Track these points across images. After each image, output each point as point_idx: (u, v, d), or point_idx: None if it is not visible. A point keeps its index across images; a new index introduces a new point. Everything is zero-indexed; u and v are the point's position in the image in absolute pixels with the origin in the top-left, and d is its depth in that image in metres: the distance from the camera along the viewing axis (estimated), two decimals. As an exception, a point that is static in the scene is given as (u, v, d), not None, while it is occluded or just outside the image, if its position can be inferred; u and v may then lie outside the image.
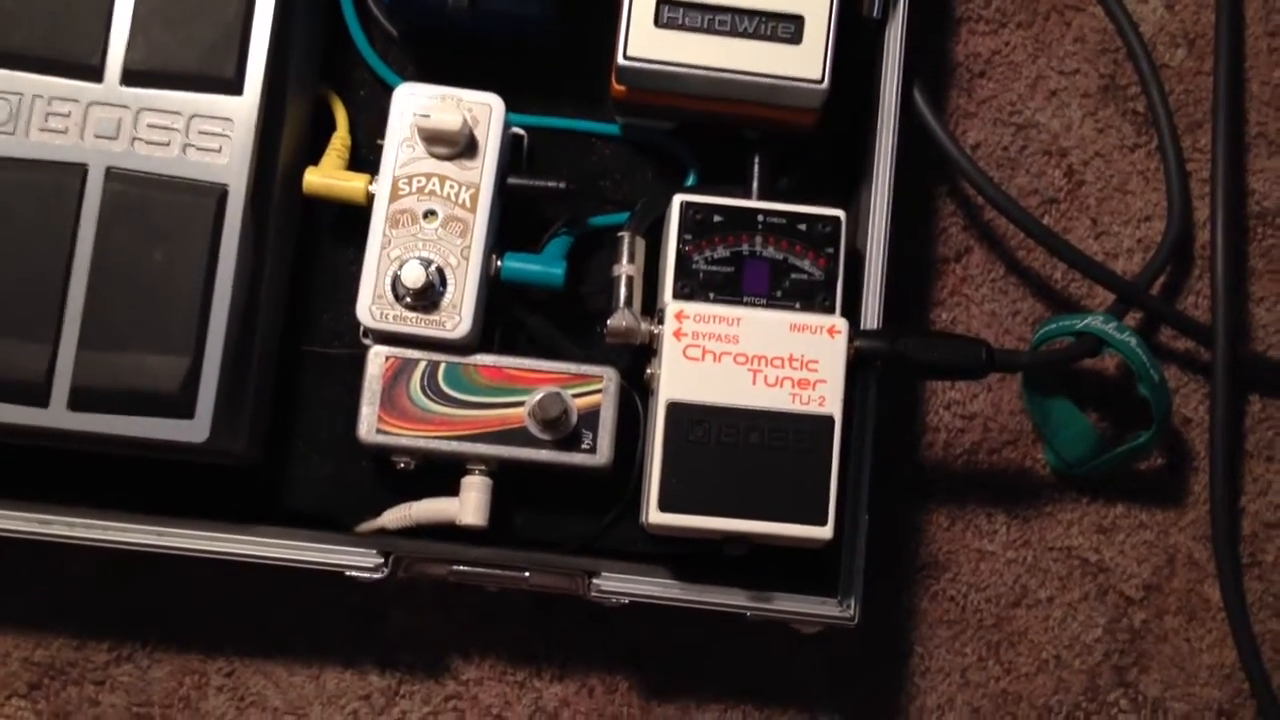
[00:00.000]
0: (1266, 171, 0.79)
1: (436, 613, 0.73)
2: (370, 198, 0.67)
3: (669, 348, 0.63)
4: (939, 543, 0.75)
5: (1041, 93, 0.79)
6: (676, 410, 0.63)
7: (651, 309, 0.67)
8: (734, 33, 0.65)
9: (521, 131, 0.71)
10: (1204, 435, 0.76)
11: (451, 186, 0.66)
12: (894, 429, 0.75)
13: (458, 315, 0.65)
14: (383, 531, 0.68)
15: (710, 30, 0.65)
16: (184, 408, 0.62)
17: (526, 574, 0.65)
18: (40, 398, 0.62)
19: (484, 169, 0.66)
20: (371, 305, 0.65)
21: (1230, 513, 0.74)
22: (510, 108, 0.67)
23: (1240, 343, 0.77)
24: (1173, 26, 0.79)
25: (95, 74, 0.64)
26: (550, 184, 0.68)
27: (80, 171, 0.63)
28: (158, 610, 0.73)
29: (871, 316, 0.67)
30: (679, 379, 0.63)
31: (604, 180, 0.73)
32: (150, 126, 0.64)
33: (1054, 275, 0.77)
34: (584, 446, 0.66)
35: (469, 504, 0.66)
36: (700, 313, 0.63)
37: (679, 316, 0.63)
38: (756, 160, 0.70)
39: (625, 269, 0.67)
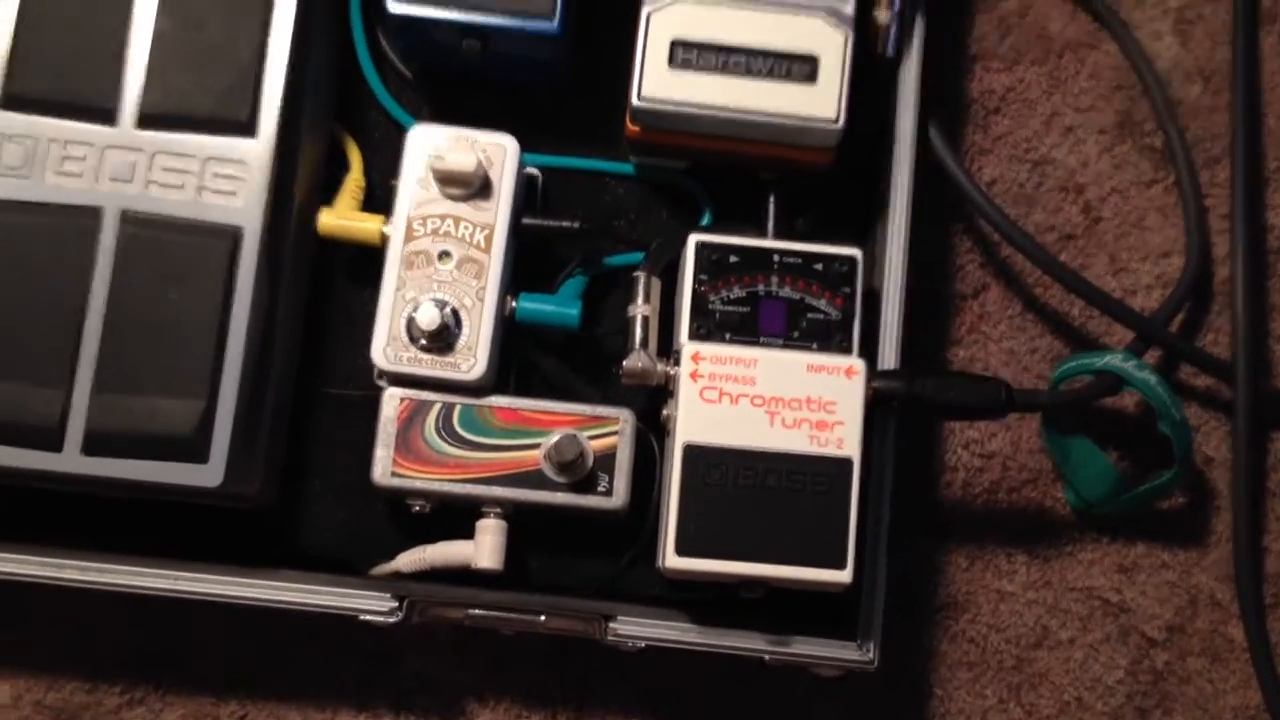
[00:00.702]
0: (1285, 207, 0.78)
1: (451, 656, 0.72)
2: (385, 239, 0.66)
3: (685, 389, 0.63)
4: (958, 583, 0.74)
5: (1057, 129, 0.78)
6: (693, 453, 0.62)
7: (668, 350, 0.67)
8: (749, 73, 0.65)
9: (536, 172, 0.71)
10: (1226, 474, 0.75)
11: (466, 227, 0.66)
12: (912, 469, 0.74)
13: (473, 357, 0.65)
14: (397, 575, 0.68)
15: (725, 71, 0.65)
16: (198, 452, 0.62)
17: (542, 617, 0.65)
18: (54, 442, 0.62)
19: (499, 210, 0.66)
20: (386, 347, 0.65)
21: (1254, 553, 0.73)
22: (524, 148, 0.67)
23: (1262, 380, 0.76)
24: (1187, 63, 0.79)
25: (110, 117, 0.64)
26: (565, 224, 0.68)
27: (95, 214, 0.63)
28: (170, 653, 0.72)
29: (889, 356, 0.67)
30: (695, 421, 0.63)
31: (619, 220, 0.73)
32: (165, 169, 0.64)
33: (1072, 312, 0.77)
34: (600, 489, 0.65)
35: (484, 547, 0.65)
36: (716, 354, 0.63)
37: (695, 358, 0.63)
38: (772, 200, 0.70)
39: (641, 309, 0.67)
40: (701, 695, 0.73)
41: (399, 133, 0.69)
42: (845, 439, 0.63)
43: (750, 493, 0.62)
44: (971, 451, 0.75)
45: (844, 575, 0.62)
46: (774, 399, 0.63)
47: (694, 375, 0.63)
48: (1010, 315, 0.77)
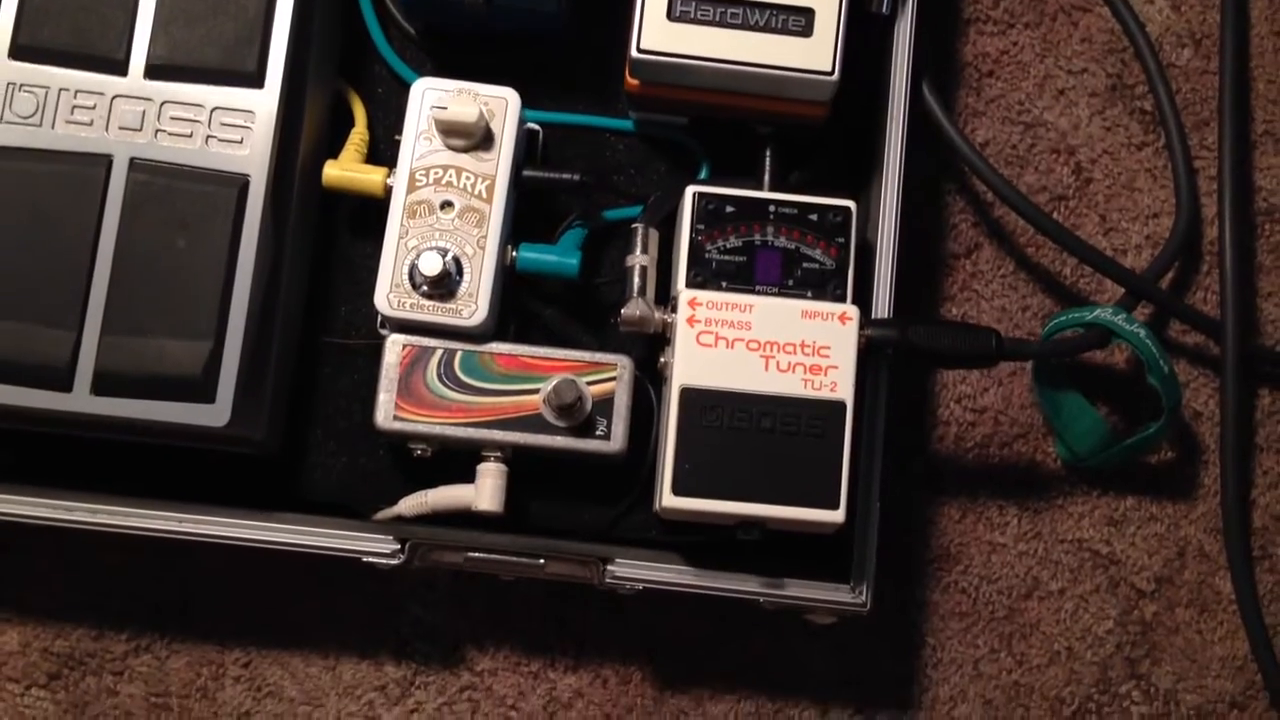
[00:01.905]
0: (1274, 169, 0.80)
1: (452, 604, 0.73)
2: (388, 190, 0.68)
3: (682, 334, 0.64)
4: (950, 535, 0.76)
5: (1049, 92, 0.80)
6: (690, 395, 0.63)
7: (665, 301, 0.68)
8: (746, 26, 0.66)
9: (536, 127, 0.72)
10: (1214, 429, 0.77)
11: (468, 178, 0.67)
12: (905, 422, 0.75)
13: (474, 304, 0.66)
14: (399, 519, 0.69)
15: (722, 23, 0.66)
16: (205, 392, 0.63)
17: (541, 561, 0.66)
18: (64, 383, 0.63)
19: (500, 160, 0.67)
20: (389, 294, 0.66)
21: (1241, 505, 0.75)
22: (526, 104, 0.69)
23: (1249, 337, 0.77)
24: (1179, 26, 0.80)
25: (120, 68, 0.65)
26: (565, 176, 0.69)
27: (105, 162, 0.64)
28: (176, 601, 0.73)
29: (882, 308, 0.68)
30: (692, 365, 0.64)
31: (618, 175, 0.74)
32: (173, 119, 0.65)
33: (1063, 271, 0.78)
34: (599, 433, 0.66)
35: (485, 490, 0.67)
36: (713, 300, 0.64)
37: (692, 304, 0.64)
38: (768, 154, 0.71)
39: (639, 259, 0.68)
40: (699, 646, 0.74)
41: (402, 89, 0.70)
42: (839, 383, 0.64)
43: (745, 435, 0.63)
44: (964, 406, 0.76)
45: (837, 515, 0.63)
46: (769, 343, 0.64)
47: (691, 320, 0.64)
48: (1002, 274, 0.78)
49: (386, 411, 0.66)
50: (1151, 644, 0.75)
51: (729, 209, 0.67)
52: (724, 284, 0.66)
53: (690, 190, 0.67)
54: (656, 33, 0.66)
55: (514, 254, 0.68)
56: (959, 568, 0.75)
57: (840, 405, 0.64)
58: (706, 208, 0.66)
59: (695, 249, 0.66)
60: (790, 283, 0.66)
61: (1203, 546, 0.76)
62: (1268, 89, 0.80)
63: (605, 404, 0.67)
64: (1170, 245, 0.76)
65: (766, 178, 0.70)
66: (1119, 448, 0.73)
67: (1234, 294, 0.75)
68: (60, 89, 0.65)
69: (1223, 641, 0.75)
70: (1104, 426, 0.74)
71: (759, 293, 0.65)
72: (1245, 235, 0.79)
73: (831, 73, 0.66)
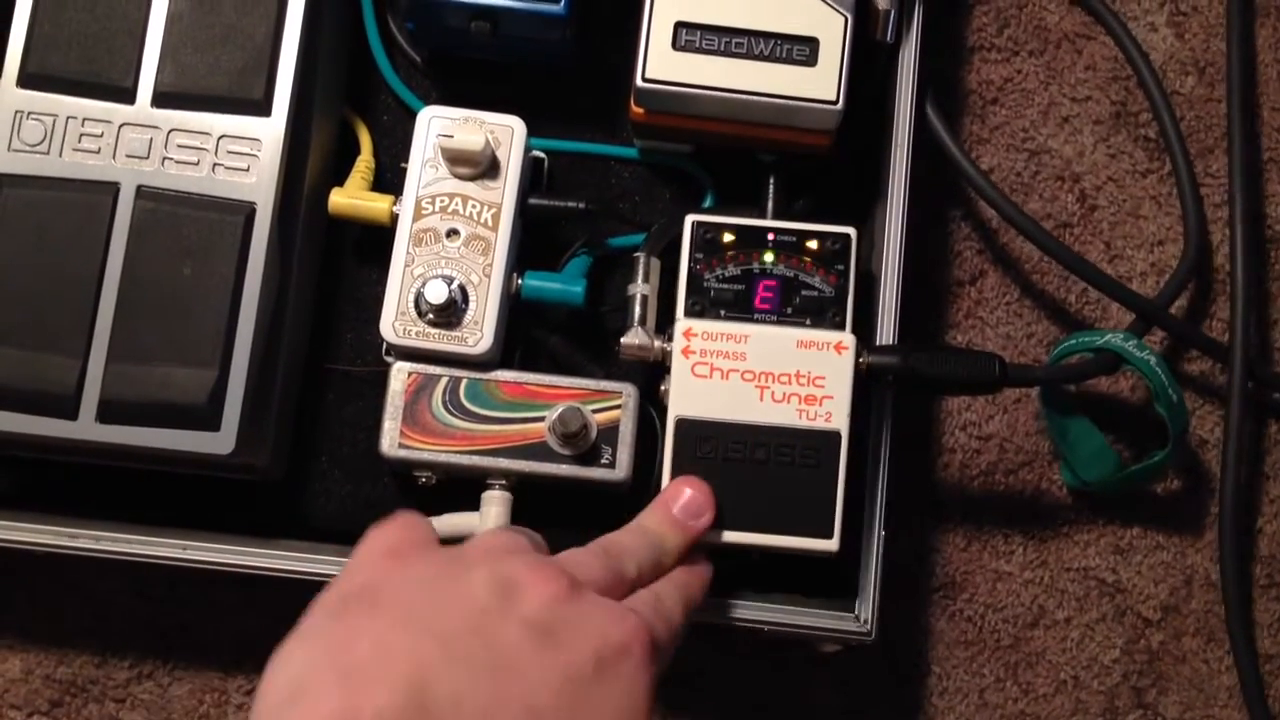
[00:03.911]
0: (1279, 196, 0.79)
1: (456, 631, 0.73)
2: (394, 218, 0.68)
3: (677, 365, 0.64)
4: (956, 563, 0.75)
5: (1054, 119, 0.80)
6: (684, 426, 0.63)
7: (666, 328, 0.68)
8: (750, 55, 0.66)
9: (541, 155, 0.72)
10: (1221, 457, 0.76)
11: (474, 206, 0.67)
12: (910, 450, 0.75)
13: (479, 331, 0.66)
14: (403, 546, 0.69)
15: (727, 53, 0.66)
16: (210, 420, 0.63)
17: (544, 588, 0.66)
18: (69, 410, 0.63)
19: (505, 188, 0.67)
20: (395, 322, 0.66)
21: (1236, 531, 0.73)
22: (531, 132, 0.69)
23: (1261, 366, 0.77)
24: (1183, 54, 0.81)
25: (128, 96, 0.66)
26: (570, 204, 0.69)
27: (112, 190, 0.65)
28: (179, 628, 0.73)
29: (886, 335, 0.68)
30: (687, 396, 0.64)
31: (623, 202, 0.74)
32: (180, 146, 0.65)
33: (1069, 298, 0.78)
34: (603, 461, 0.67)
35: (489, 518, 0.66)
36: (708, 330, 0.64)
37: (687, 334, 0.64)
38: (772, 182, 0.71)
39: (640, 288, 0.68)
40: (702, 678, 0.74)
41: (408, 117, 0.71)
42: (834, 413, 0.64)
43: (740, 465, 0.63)
44: (969, 434, 0.76)
45: (831, 544, 0.63)
46: (764, 374, 0.64)
47: (686, 351, 0.64)
48: (1007, 301, 0.78)
49: (391, 439, 0.66)
50: (1158, 673, 0.75)
51: (727, 237, 0.67)
52: (722, 312, 0.66)
53: (689, 219, 0.67)
54: (661, 62, 0.66)
55: (519, 282, 0.68)
56: (964, 596, 0.75)
57: (835, 435, 0.64)
58: (704, 236, 0.67)
59: (693, 278, 0.66)
60: (789, 310, 0.66)
61: (1209, 575, 0.76)
62: (1272, 116, 0.80)
63: (610, 432, 0.67)
64: (1180, 271, 0.76)
65: (770, 205, 0.71)
66: (1125, 474, 0.73)
67: (1243, 320, 0.74)
68: (68, 117, 0.65)
69: (1229, 671, 0.75)
70: (1110, 453, 0.73)
71: (758, 321, 0.65)
72: (1254, 261, 0.78)
73: (836, 102, 0.66)
